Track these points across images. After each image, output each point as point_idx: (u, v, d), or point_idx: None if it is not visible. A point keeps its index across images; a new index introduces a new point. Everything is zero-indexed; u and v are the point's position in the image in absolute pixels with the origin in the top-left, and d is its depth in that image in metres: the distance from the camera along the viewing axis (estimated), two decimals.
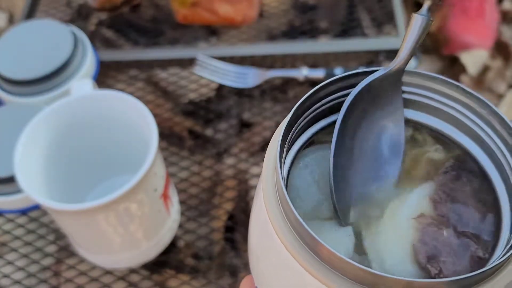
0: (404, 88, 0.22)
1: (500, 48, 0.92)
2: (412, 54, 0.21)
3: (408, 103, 0.22)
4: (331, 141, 0.20)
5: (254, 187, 0.45)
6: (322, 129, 0.22)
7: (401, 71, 0.21)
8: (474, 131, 0.21)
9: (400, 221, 0.20)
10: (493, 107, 0.20)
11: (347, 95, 0.21)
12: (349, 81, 0.21)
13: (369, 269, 0.16)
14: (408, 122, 0.22)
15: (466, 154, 0.21)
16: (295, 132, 0.21)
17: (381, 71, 0.21)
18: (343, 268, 0.16)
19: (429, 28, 0.21)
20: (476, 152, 0.21)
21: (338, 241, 0.19)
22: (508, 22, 0.95)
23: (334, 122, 0.21)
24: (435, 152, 0.22)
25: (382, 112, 0.21)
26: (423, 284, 0.16)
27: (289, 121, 0.19)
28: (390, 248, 0.19)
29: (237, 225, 0.43)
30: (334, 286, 0.16)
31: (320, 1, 0.58)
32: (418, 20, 0.21)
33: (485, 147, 0.21)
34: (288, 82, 0.51)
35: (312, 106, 0.21)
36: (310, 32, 0.56)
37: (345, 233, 0.20)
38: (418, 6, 0.98)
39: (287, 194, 0.17)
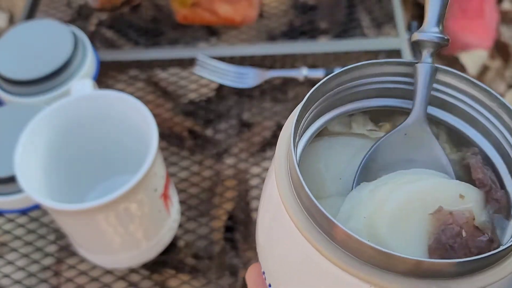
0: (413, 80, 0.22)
1: (499, 48, 0.92)
2: (426, 104, 0.21)
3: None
4: (341, 132, 0.21)
5: (254, 187, 0.45)
6: (333, 119, 0.22)
7: (421, 121, 0.21)
8: (482, 123, 0.21)
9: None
10: (502, 99, 0.20)
11: (361, 85, 0.21)
12: (363, 71, 0.21)
13: (380, 248, 0.16)
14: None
15: (474, 147, 0.21)
16: (307, 119, 0.21)
17: (398, 127, 0.21)
18: (355, 248, 0.16)
19: (435, 74, 0.21)
20: (483, 145, 0.21)
21: (347, 214, 0.20)
22: (507, 22, 0.95)
23: (345, 113, 0.22)
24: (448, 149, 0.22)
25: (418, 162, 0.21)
26: (435, 264, 0.16)
27: (303, 105, 0.20)
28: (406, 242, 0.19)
29: (237, 225, 0.43)
30: (346, 267, 0.16)
31: (320, 2, 0.58)
32: (422, 69, 0.21)
33: (492, 140, 0.21)
34: (288, 82, 0.51)
35: (325, 94, 0.21)
36: (310, 32, 0.56)
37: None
38: (417, 6, 0.98)
39: (301, 175, 0.17)
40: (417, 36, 0.21)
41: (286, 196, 0.18)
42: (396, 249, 0.17)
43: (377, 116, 0.23)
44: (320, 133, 0.22)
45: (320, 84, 0.20)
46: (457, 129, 0.22)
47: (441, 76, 0.21)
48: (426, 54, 0.21)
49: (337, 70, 0.21)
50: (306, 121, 0.21)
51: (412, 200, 0.19)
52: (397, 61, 0.22)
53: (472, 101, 0.21)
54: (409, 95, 0.22)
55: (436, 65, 0.21)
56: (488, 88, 0.20)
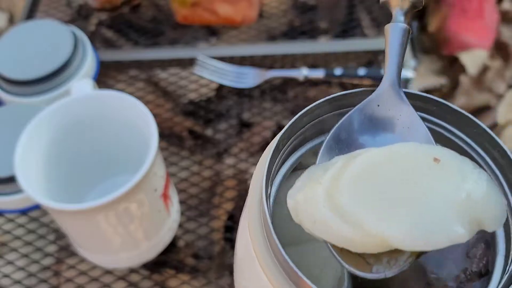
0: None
1: (499, 48, 0.92)
2: (400, 69, 0.19)
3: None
4: (315, 164, 0.19)
5: None
6: (306, 153, 0.21)
7: (395, 87, 0.19)
8: (474, 158, 0.20)
9: None
10: (494, 136, 0.19)
11: (336, 116, 0.20)
12: (336, 104, 0.20)
13: None
14: None
15: None
16: (281, 159, 0.20)
17: (369, 97, 0.19)
18: None
19: (409, 37, 0.19)
20: None
21: (325, 263, 0.19)
22: (507, 22, 0.95)
23: (317, 145, 0.21)
24: None
25: (392, 134, 0.20)
26: None
27: (272, 153, 0.19)
28: None
29: (237, 225, 0.43)
30: None
31: (320, 2, 0.58)
32: (394, 30, 0.18)
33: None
34: (288, 82, 0.51)
35: (297, 132, 0.20)
36: (310, 32, 0.56)
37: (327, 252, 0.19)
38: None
39: (273, 228, 0.16)
40: None
41: (259, 246, 0.17)
42: (363, 220, 0.16)
43: None
44: (294, 168, 0.21)
45: (291, 123, 0.19)
46: None
47: (418, 103, 0.20)
48: (397, 13, 0.18)
49: (305, 109, 0.19)
50: (280, 159, 0.20)
51: (376, 164, 0.17)
52: (365, 91, 0.20)
53: (452, 127, 0.20)
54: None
55: (409, 91, 0.19)
56: (481, 124, 0.19)
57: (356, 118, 0.19)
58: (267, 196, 0.18)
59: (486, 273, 0.19)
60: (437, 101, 0.20)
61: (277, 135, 0.19)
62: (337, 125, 0.19)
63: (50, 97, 0.44)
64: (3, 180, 0.39)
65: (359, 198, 0.16)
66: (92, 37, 0.55)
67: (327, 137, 0.19)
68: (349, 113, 0.19)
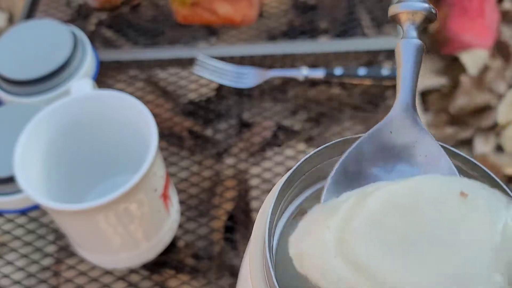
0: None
1: (500, 48, 0.92)
2: (414, 91, 0.17)
3: None
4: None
5: (254, 187, 0.45)
6: (309, 197, 0.20)
7: (410, 111, 0.17)
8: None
9: None
10: (504, 186, 0.17)
11: (334, 162, 0.18)
12: (338, 149, 0.19)
13: None
14: None
15: None
16: (283, 205, 0.19)
17: (379, 123, 0.17)
18: None
19: (423, 53, 0.17)
20: None
21: None
22: (508, 22, 0.95)
23: (319, 189, 0.20)
24: None
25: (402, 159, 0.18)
26: None
27: (274, 203, 0.17)
28: None
29: (237, 225, 0.43)
30: None
31: (320, 1, 0.58)
32: (407, 47, 0.16)
33: None
34: (288, 82, 0.51)
35: (298, 179, 0.19)
36: (310, 32, 0.56)
37: None
38: None
39: (276, 282, 0.15)
40: (396, 8, 0.17)
41: None
42: (384, 273, 0.13)
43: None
44: (298, 212, 0.20)
45: (293, 171, 0.18)
46: None
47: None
48: (409, 28, 0.16)
49: (305, 157, 0.18)
50: (282, 206, 0.19)
51: (395, 202, 0.15)
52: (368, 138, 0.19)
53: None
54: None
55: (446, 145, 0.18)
56: (488, 172, 0.17)
57: (367, 147, 0.17)
58: (270, 249, 0.16)
59: None
60: (468, 159, 0.17)
61: (278, 183, 0.18)
62: (344, 155, 0.17)
63: (50, 97, 0.44)
64: (3, 180, 0.39)
65: (378, 245, 0.14)
66: (92, 37, 0.55)
67: (334, 169, 0.17)
68: (358, 141, 0.17)
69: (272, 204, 0.17)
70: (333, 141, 0.19)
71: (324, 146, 0.19)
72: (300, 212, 0.20)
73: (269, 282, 0.16)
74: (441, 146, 0.18)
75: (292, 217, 0.20)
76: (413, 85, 0.17)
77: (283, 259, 0.18)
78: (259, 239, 0.18)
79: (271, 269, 0.16)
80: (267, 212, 0.17)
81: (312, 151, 0.19)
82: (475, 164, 0.17)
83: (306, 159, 0.18)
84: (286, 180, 0.18)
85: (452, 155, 0.18)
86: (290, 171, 0.18)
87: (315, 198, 0.20)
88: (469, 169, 0.17)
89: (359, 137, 0.18)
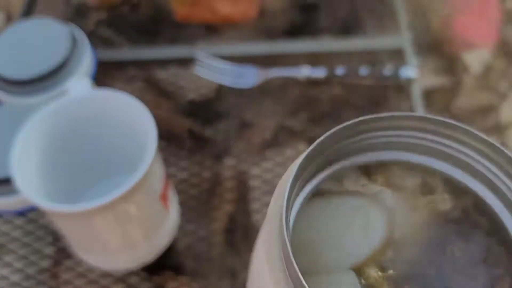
0: (416, 134, 0.20)
1: (503, 48, 0.91)
2: None
3: (420, 149, 0.21)
4: (333, 190, 0.20)
5: (254, 188, 0.45)
6: (326, 178, 0.21)
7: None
8: (489, 178, 0.20)
9: None
10: (509, 154, 0.19)
11: (353, 142, 0.20)
12: (354, 129, 0.20)
13: None
14: (419, 167, 0.21)
15: (480, 202, 0.20)
16: (298, 186, 0.20)
17: None
18: None
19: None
20: (491, 200, 0.20)
21: None
22: (511, 22, 0.95)
23: (338, 170, 0.21)
24: (441, 203, 0.21)
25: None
26: None
27: (295, 174, 0.18)
28: None
29: (237, 227, 0.43)
30: None
31: (321, 0, 0.58)
32: None
33: (500, 195, 0.20)
34: (289, 82, 0.51)
35: (315, 159, 0.20)
36: (311, 31, 0.55)
37: (349, 282, 0.19)
38: (419, 5, 0.98)
39: (294, 259, 0.16)
40: None
41: (276, 274, 0.17)
42: None
43: (369, 168, 0.22)
44: (313, 193, 0.21)
45: (311, 150, 0.19)
46: (457, 180, 0.20)
47: (441, 129, 0.20)
48: None
49: (324, 135, 0.19)
50: (298, 186, 0.20)
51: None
52: (391, 116, 0.20)
53: (477, 154, 0.20)
54: (403, 147, 0.20)
55: (441, 118, 0.20)
56: (494, 142, 0.19)
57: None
58: (287, 226, 0.17)
59: None
60: (463, 128, 0.19)
61: (296, 161, 0.19)
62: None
63: (48, 97, 0.43)
64: (0, 181, 0.38)
65: None
66: (90, 36, 0.54)
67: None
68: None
69: (290, 181, 0.18)
70: (352, 121, 0.20)
71: (343, 125, 0.20)
72: (317, 193, 0.21)
73: (286, 262, 0.17)
74: (468, 130, 0.19)
75: (308, 197, 0.20)
76: None
77: (298, 240, 0.19)
78: (275, 220, 0.18)
79: (289, 249, 0.16)
80: (284, 191, 0.18)
81: (331, 130, 0.20)
82: (500, 149, 0.19)
83: (324, 138, 0.19)
84: (305, 158, 0.19)
85: (479, 140, 0.19)
86: (309, 148, 0.19)
87: (332, 179, 0.21)
88: (495, 154, 0.19)
89: (384, 116, 0.20)
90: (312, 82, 0.51)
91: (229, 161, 0.46)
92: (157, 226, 0.38)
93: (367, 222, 0.21)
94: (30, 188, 0.33)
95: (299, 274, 0.16)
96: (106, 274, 0.41)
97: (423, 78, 0.72)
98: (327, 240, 0.20)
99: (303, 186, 0.20)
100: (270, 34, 0.55)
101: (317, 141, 0.19)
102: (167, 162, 0.46)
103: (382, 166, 0.22)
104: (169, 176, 0.40)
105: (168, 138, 0.48)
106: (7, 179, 0.37)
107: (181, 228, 0.42)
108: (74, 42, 0.46)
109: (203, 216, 0.43)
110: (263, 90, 0.51)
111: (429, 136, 0.20)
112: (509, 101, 0.87)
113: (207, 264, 0.41)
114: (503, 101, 0.88)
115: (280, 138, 0.47)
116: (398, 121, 0.20)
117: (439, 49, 0.92)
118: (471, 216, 0.20)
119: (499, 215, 0.20)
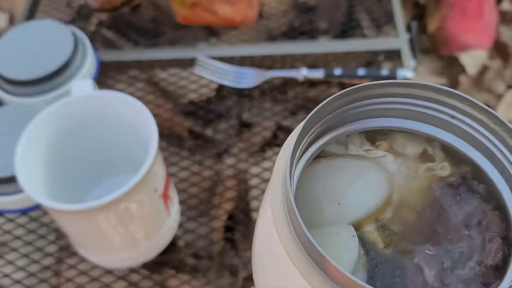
0: (417, 101, 0.21)
1: (499, 48, 0.92)
2: None
3: (420, 117, 0.21)
4: (337, 153, 0.20)
5: (254, 187, 0.45)
6: (330, 141, 0.21)
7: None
8: (487, 147, 0.20)
9: None
10: (508, 123, 0.19)
11: (357, 107, 0.21)
12: (362, 93, 0.21)
13: None
14: (421, 135, 0.22)
15: (477, 171, 0.21)
16: (305, 143, 0.20)
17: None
18: (348, 285, 0.16)
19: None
20: (488, 168, 0.20)
21: (343, 245, 0.19)
22: (507, 23, 0.95)
23: (342, 134, 0.21)
24: (440, 170, 0.22)
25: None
26: None
27: (298, 135, 0.19)
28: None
29: (237, 225, 0.43)
30: None
31: (320, 2, 0.58)
32: None
33: (497, 164, 0.20)
34: (288, 83, 0.51)
35: (324, 118, 0.20)
36: (310, 32, 0.56)
37: (349, 234, 0.19)
38: (417, 6, 0.98)
39: (296, 209, 0.17)
40: None
41: (282, 227, 0.18)
42: None
43: (374, 135, 0.22)
44: (317, 156, 0.22)
45: (317, 110, 0.20)
46: (457, 149, 0.21)
47: (442, 97, 0.21)
48: None
49: (335, 94, 0.20)
50: (303, 146, 0.20)
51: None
52: (394, 82, 0.21)
53: (476, 123, 0.20)
54: (406, 115, 0.21)
55: (439, 86, 0.20)
56: (493, 111, 0.19)
57: None
58: (291, 178, 0.18)
59: (502, 267, 0.19)
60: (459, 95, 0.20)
61: (300, 124, 0.20)
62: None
63: (50, 97, 0.44)
64: (4, 180, 0.39)
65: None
66: (92, 37, 0.55)
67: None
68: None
69: (297, 136, 0.19)
70: (359, 85, 0.20)
71: (345, 90, 0.20)
72: (322, 155, 0.22)
73: (288, 209, 0.17)
74: (469, 99, 0.20)
75: (312, 158, 0.21)
76: None
77: (302, 195, 0.20)
78: (279, 180, 0.19)
79: (293, 202, 0.17)
80: (289, 150, 0.19)
81: (337, 93, 0.20)
82: (499, 119, 0.19)
83: (330, 100, 0.20)
84: (309, 117, 0.19)
85: (480, 110, 0.20)
86: (314, 110, 0.19)
87: (337, 143, 0.22)
88: (493, 123, 0.19)
89: (392, 82, 0.20)
90: (311, 83, 0.51)
91: (229, 161, 0.47)
92: (158, 224, 0.38)
93: (369, 182, 0.21)
94: (34, 187, 0.34)
95: (303, 227, 0.16)
96: (107, 272, 0.41)
97: (420, 79, 0.72)
98: (329, 196, 0.21)
99: (308, 146, 0.21)
100: (269, 35, 0.56)
101: (320, 104, 0.20)
102: (168, 162, 0.47)
103: (385, 134, 0.22)
104: (170, 175, 0.40)
105: (168, 138, 0.48)
106: (11, 178, 0.38)
107: (181, 226, 0.43)
108: (76, 43, 0.46)
109: (203, 214, 0.43)
110: (263, 90, 0.51)
111: (431, 105, 0.21)
112: (505, 102, 0.88)
113: (207, 262, 0.41)
114: (499, 101, 0.88)
115: (279, 138, 0.47)
116: (399, 88, 0.21)
117: (436, 50, 0.92)
118: (469, 182, 0.21)
119: (495, 183, 0.20)
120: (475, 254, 0.19)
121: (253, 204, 0.44)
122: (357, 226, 0.20)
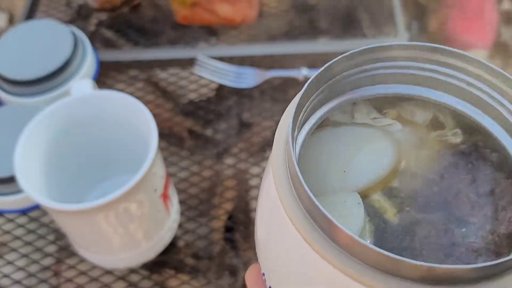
0: (426, 65, 0.20)
1: (499, 49, 0.92)
2: None
3: (431, 83, 0.20)
4: (343, 122, 0.20)
5: (254, 187, 0.45)
6: (335, 108, 0.20)
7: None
8: (500, 112, 0.19)
9: None
10: None
11: (363, 71, 0.19)
12: (365, 57, 0.19)
13: (387, 253, 0.14)
14: (430, 102, 0.20)
15: (490, 139, 0.19)
16: (308, 109, 0.19)
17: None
18: (358, 251, 0.15)
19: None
20: (500, 135, 0.19)
21: (348, 212, 0.19)
22: (507, 23, 0.95)
23: (348, 101, 0.20)
24: (453, 136, 0.21)
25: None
26: (445, 270, 0.14)
27: (302, 94, 0.18)
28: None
29: (236, 225, 0.43)
30: (349, 271, 0.15)
31: (320, 1, 0.58)
32: None
33: (509, 129, 0.19)
34: (288, 82, 0.51)
35: (327, 82, 0.19)
36: (310, 32, 0.56)
37: (354, 201, 0.19)
38: (417, 6, 0.98)
39: (300, 173, 0.16)
40: None
41: (285, 194, 0.17)
42: None
43: (381, 103, 0.21)
44: (321, 124, 0.21)
45: (321, 71, 0.19)
46: (469, 116, 0.20)
47: (450, 60, 0.19)
48: None
49: (333, 60, 0.19)
50: (306, 112, 0.19)
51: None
52: (402, 45, 0.19)
53: (487, 87, 0.19)
54: (415, 81, 0.20)
55: (447, 47, 0.19)
56: (506, 74, 0.18)
57: None
58: (294, 141, 0.17)
59: None
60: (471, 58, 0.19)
61: (306, 83, 0.19)
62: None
63: (50, 97, 0.44)
64: (3, 180, 0.39)
65: None
66: (92, 37, 0.55)
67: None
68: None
69: (299, 99, 0.18)
70: (363, 47, 0.19)
71: (349, 52, 0.19)
72: (326, 123, 0.21)
73: (294, 184, 0.17)
74: (482, 62, 0.19)
75: (316, 125, 0.20)
76: None
77: (306, 162, 0.19)
78: (281, 148, 0.18)
79: (293, 158, 0.16)
80: (291, 112, 0.18)
81: (340, 56, 0.19)
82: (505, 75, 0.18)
83: (333, 63, 0.19)
84: (312, 81, 0.19)
85: (493, 73, 0.19)
86: (318, 71, 0.19)
87: (342, 111, 0.21)
88: (508, 87, 0.18)
89: (400, 44, 0.19)
90: None
91: (229, 161, 0.47)
92: (158, 224, 0.38)
93: (376, 150, 0.21)
94: (33, 187, 0.34)
95: (308, 190, 0.16)
96: (107, 272, 0.41)
97: None
98: (335, 164, 0.20)
99: (312, 112, 0.20)
100: (269, 35, 0.56)
101: (325, 65, 0.19)
102: (167, 162, 0.47)
103: (393, 102, 0.21)
104: (169, 175, 0.40)
105: (168, 138, 0.48)
106: (11, 178, 0.38)
107: (181, 226, 0.43)
108: (76, 43, 0.46)
109: (203, 214, 0.43)
110: (263, 90, 0.51)
111: (441, 69, 0.20)
112: None
113: (207, 262, 0.41)
114: None
115: None
116: (406, 50, 0.19)
117: None
118: (481, 151, 0.20)
119: (508, 151, 0.19)
120: (487, 223, 0.18)
121: (253, 204, 0.44)
122: (364, 195, 0.19)
